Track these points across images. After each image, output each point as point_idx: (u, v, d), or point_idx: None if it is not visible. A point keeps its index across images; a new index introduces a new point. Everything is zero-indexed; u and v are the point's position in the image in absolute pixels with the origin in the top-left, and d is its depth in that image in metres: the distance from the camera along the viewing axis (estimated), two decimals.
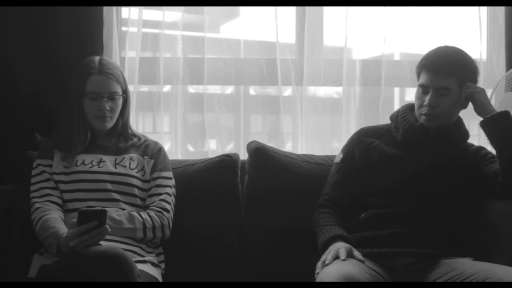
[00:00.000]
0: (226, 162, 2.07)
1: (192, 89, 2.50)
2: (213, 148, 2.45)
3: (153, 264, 1.78)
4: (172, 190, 1.92)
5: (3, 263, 1.81)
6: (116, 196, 1.83)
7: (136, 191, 1.87)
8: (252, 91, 2.59)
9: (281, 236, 2.01)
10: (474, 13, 2.43)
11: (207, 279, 1.91)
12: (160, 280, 1.78)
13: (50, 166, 1.88)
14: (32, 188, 1.86)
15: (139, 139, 1.98)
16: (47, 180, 1.86)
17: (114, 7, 2.29)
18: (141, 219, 1.80)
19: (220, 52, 2.46)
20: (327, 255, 1.63)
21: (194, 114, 2.52)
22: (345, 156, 1.95)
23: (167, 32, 2.39)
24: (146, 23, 2.37)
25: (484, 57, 2.45)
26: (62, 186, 1.84)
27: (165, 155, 1.98)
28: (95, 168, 1.86)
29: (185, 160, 2.15)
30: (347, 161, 1.94)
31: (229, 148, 2.51)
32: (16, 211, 1.89)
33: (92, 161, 1.88)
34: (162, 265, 1.86)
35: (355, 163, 1.92)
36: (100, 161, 1.89)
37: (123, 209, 1.81)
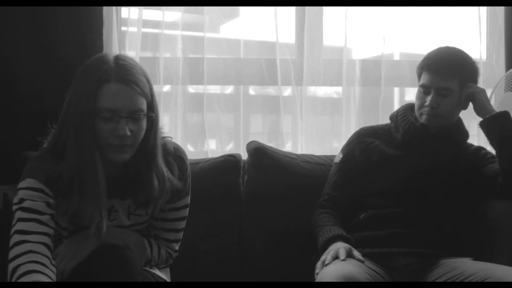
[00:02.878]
0: (230, 162, 2.07)
1: (192, 89, 2.50)
2: (212, 148, 2.44)
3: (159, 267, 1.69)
4: (185, 221, 1.66)
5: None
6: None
7: (145, 230, 1.62)
8: (252, 91, 2.59)
9: (281, 236, 2.01)
10: (474, 13, 2.43)
11: (207, 279, 1.91)
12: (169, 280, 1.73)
13: (54, 207, 1.41)
14: (21, 226, 1.35)
15: (166, 181, 1.49)
16: (49, 226, 1.38)
17: (114, 7, 2.28)
18: (149, 256, 1.57)
19: (220, 52, 2.46)
20: (327, 255, 1.63)
21: (194, 114, 2.51)
22: (345, 156, 1.95)
23: (167, 32, 2.38)
24: (146, 23, 2.37)
25: (484, 57, 2.45)
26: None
27: (188, 178, 1.62)
28: (105, 222, 1.47)
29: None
30: (347, 161, 1.94)
31: (229, 148, 2.51)
32: None
33: (102, 211, 1.45)
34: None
35: (355, 163, 1.92)
36: (111, 210, 1.50)
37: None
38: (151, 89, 1.43)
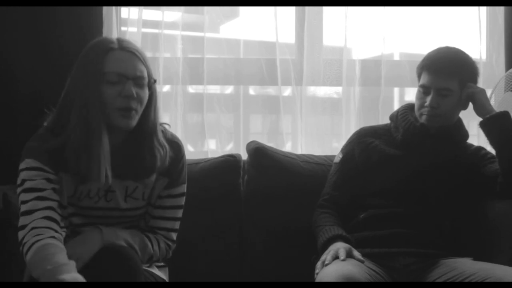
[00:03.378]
0: (230, 162, 2.07)
1: (191, 89, 2.50)
2: (212, 148, 2.45)
3: (158, 266, 1.71)
4: (182, 210, 1.68)
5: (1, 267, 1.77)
6: (120, 227, 1.59)
7: (142, 217, 1.65)
8: (251, 91, 2.59)
9: (281, 236, 2.01)
10: (474, 13, 2.43)
11: (207, 279, 1.91)
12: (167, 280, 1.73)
13: (57, 182, 1.47)
14: (24, 207, 1.42)
15: (163, 151, 1.55)
16: (52, 199, 1.44)
17: (113, 7, 2.29)
18: (151, 251, 1.58)
19: (220, 52, 2.46)
20: (327, 255, 1.63)
21: (194, 114, 2.51)
22: (345, 156, 1.95)
23: (166, 32, 2.38)
24: (146, 23, 2.37)
25: (484, 57, 2.45)
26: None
27: (183, 166, 1.66)
28: (102, 203, 1.53)
29: (187, 159, 2.14)
30: (346, 161, 1.94)
31: (228, 148, 2.51)
32: (14, 213, 1.85)
33: (99, 190, 1.52)
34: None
35: (355, 163, 1.92)
36: (109, 190, 1.53)
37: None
38: (149, 63, 1.52)
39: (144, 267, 1.61)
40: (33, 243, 1.36)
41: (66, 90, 1.51)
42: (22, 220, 1.41)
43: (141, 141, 1.52)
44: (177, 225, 1.67)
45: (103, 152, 1.44)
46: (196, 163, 2.08)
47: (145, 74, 1.48)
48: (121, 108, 1.44)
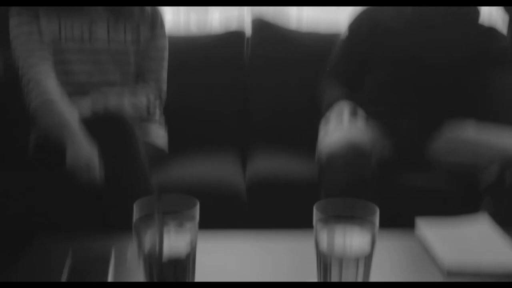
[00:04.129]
0: (234, 35, 2.06)
1: None
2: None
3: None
4: (167, 52, 1.78)
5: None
6: (112, 77, 1.67)
7: (131, 60, 1.71)
8: None
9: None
10: None
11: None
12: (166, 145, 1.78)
13: (38, 24, 1.59)
14: (18, 40, 1.57)
15: None
16: (39, 33, 1.58)
17: None
18: (141, 89, 1.71)
19: None
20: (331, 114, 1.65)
21: None
22: (351, 29, 1.88)
23: None
24: None
25: None
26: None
27: (161, 14, 1.78)
28: (87, 35, 1.64)
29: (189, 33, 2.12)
30: (353, 34, 1.87)
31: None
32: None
33: (82, 25, 1.63)
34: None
35: (362, 38, 1.84)
36: (91, 24, 1.64)
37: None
38: None
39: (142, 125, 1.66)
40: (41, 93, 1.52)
41: None
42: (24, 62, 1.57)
43: None
44: (164, 69, 1.76)
45: None
46: (199, 36, 2.08)
47: None
48: None
